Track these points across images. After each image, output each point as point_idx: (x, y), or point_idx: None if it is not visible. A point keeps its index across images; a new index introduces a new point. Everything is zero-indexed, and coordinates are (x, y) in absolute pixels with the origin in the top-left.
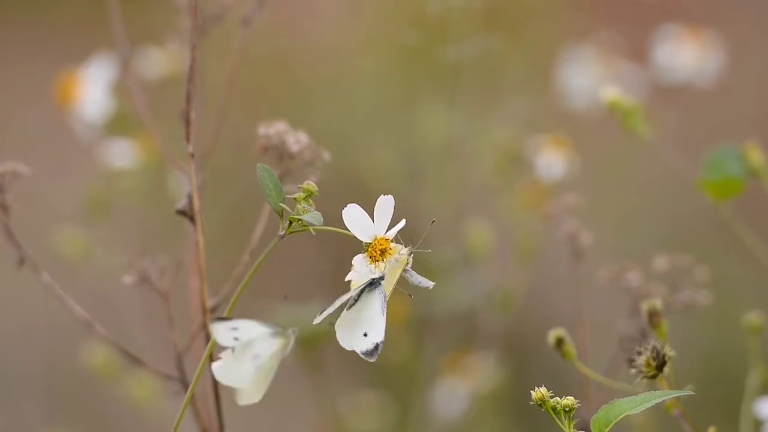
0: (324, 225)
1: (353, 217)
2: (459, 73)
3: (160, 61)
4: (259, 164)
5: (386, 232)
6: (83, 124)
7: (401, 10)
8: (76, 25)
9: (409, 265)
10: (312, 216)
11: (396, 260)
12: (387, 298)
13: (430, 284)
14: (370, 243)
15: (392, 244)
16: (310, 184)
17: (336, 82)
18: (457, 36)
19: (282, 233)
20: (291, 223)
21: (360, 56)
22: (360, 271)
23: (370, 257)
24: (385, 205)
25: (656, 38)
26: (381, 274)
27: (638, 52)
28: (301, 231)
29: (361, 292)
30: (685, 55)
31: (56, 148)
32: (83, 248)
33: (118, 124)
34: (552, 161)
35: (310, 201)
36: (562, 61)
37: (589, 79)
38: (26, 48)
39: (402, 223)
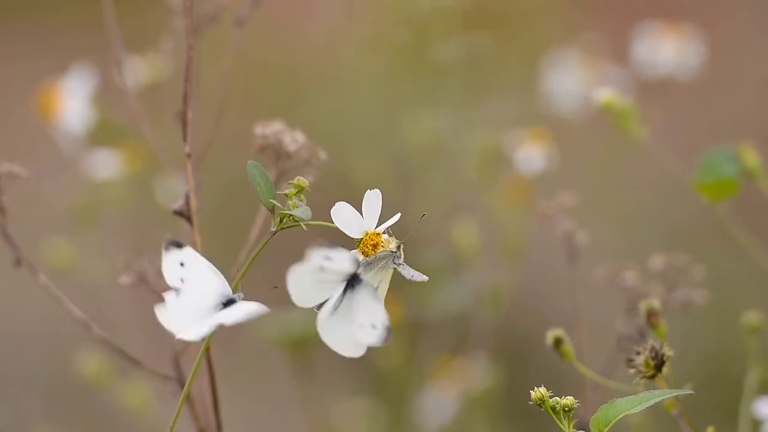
0: (316, 222)
1: (341, 215)
2: (450, 74)
3: (150, 64)
4: (249, 161)
5: (377, 226)
6: (65, 136)
7: (395, 11)
8: (77, 24)
9: (402, 258)
10: (301, 211)
11: (384, 261)
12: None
13: (424, 278)
14: (362, 239)
15: (384, 237)
16: (301, 180)
17: (329, 83)
18: (449, 36)
19: (273, 230)
20: (281, 218)
21: (354, 57)
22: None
23: (362, 253)
24: (373, 199)
25: (636, 35)
26: (356, 270)
27: (631, 53)
28: (292, 227)
29: (344, 292)
30: (665, 49)
31: (56, 146)
32: (72, 258)
33: (103, 134)
34: (531, 155)
35: (302, 197)
36: (548, 63)
37: (575, 82)
38: (26, 47)
39: (396, 216)
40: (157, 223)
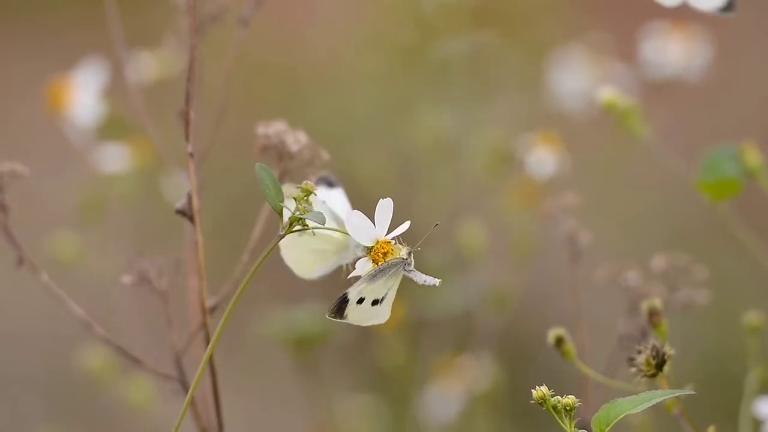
0: (326, 227)
1: (355, 224)
2: (454, 73)
3: (153, 63)
4: (257, 164)
5: (387, 234)
6: (75, 129)
7: (398, 10)
8: (77, 24)
9: (412, 265)
10: (314, 216)
11: (394, 269)
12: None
13: (436, 281)
14: (372, 246)
15: (394, 245)
16: (309, 184)
17: (331, 83)
18: (452, 35)
19: (282, 233)
20: (291, 222)
21: (357, 56)
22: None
23: (373, 260)
24: (385, 208)
25: (643, 35)
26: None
27: (636, 52)
28: (301, 231)
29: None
30: (672, 50)
31: (56, 145)
32: (78, 253)
33: (111, 128)
34: (543, 158)
35: (309, 201)
36: (553, 62)
37: (581, 80)
38: (26, 47)
39: (406, 225)
40: (160, 221)
